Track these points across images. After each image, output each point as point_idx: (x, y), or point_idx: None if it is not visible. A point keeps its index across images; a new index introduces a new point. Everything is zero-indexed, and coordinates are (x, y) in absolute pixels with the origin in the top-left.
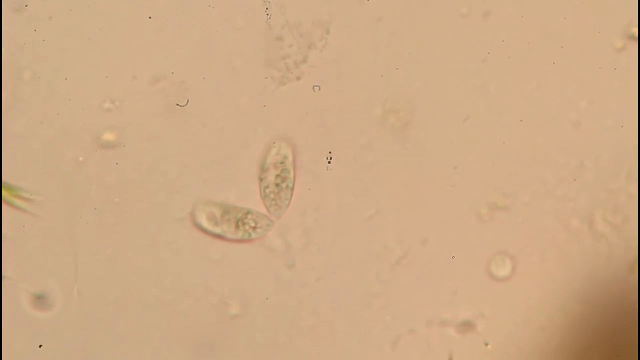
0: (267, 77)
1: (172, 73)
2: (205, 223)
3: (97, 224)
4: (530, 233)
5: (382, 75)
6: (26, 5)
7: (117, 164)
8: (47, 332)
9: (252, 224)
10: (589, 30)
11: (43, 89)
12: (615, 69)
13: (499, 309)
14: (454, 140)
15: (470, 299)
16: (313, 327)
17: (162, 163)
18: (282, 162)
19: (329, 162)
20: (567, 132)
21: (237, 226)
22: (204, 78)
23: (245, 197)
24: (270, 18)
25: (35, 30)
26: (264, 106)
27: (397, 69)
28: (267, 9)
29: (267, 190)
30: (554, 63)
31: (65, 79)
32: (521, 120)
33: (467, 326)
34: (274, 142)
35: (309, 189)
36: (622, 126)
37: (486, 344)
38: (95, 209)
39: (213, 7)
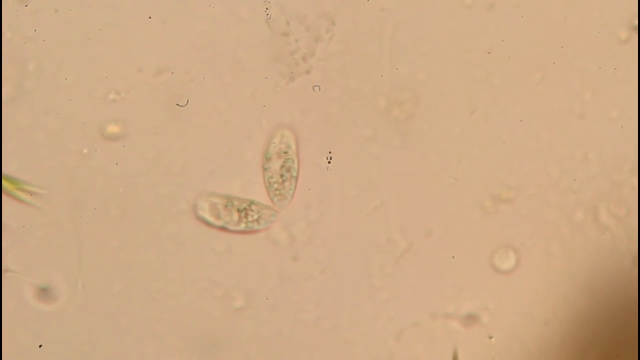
0: (267, 77)
1: (172, 73)
2: (207, 215)
3: (101, 217)
4: (534, 226)
5: (382, 76)
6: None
7: (117, 163)
8: (51, 325)
9: (255, 216)
10: (594, 22)
11: (48, 81)
12: (616, 67)
13: (503, 302)
14: (458, 133)
15: (474, 292)
16: (317, 319)
17: (166, 155)
18: (285, 152)
19: (329, 162)
20: (571, 124)
21: (239, 217)
22: (204, 78)
23: (249, 189)
24: (270, 18)
25: (41, 22)
26: (264, 106)
27: (397, 69)
28: (267, 9)
29: (271, 180)
30: (561, 47)
31: (66, 79)
32: (521, 121)
33: (471, 319)
34: (273, 142)
35: (309, 189)
36: (623, 124)
37: (490, 337)
38: (95, 208)
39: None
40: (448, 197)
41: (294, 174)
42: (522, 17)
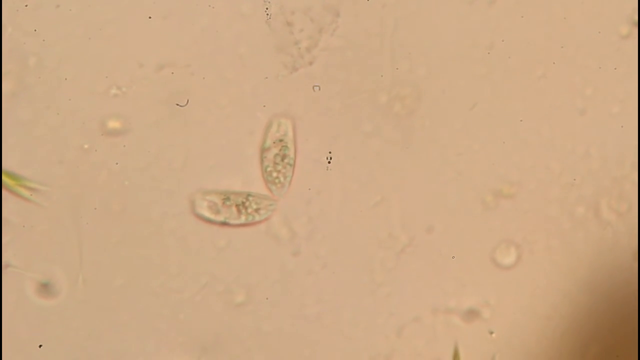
0: (266, 77)
1: (172, 73)
2: (207, 213)
3: (102, 212)
4: (535, 221)
5: (382, 76)
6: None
7: (117, 163)
8: (52, 320)
9: (254, 207)
10: (595, 17)
11: (49, 76)
12: (617, 63)
13: (504, 297)
14: (459, 128)
15: (476, 287)
16: (318, 315)
17: (168, 150)
18: (281, 140)
19: (329, 162)
20: (572, 119)
21: (239, 211)
22: (204, 78)
23: (250, 184)
24: (270, 18)
25: (42, 18)
26: (264, 106)
27: (397, 69)
28: (267, 8)
29: (268, 170)
30: (562, 47)
31: (65, 79)
32: (521, 121)
33: (472, 314)
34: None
35: (309, 189)
36: (624, 119)
37: (491, 333)
38: (95, 209)
39: None
40: (449, 193)
41: (290, 161)
42: (523, 13)
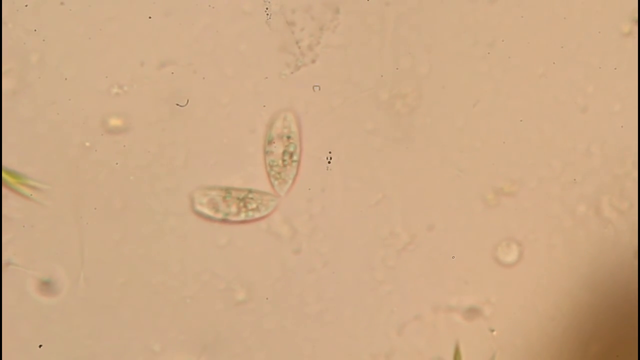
0: (266, 77)
1: (173, 73)
2: (207, 210)
3: (104, 210)
4: (536, 219)
5: (382, 76)
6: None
7: (117, 164)
8: (53, 318)
9: (254, 205)
10: (596, 15)
11: (50, 75)
12: (618, 61)
13: (505, 295)
14: (460, 126)
15: (477, 285)
16: (319, 313)
17: (169, 149)
18: (288, 137)
19: (329, 162)
20: (573, 117)
21: (239, 208)
22: (204, 78)
23: (251, 182)
24: (270, 18)
25: (45, 15)
26: (264, 106)
27: (397, 69)
28: (267, 8)
29: (273, 164)
30: (562, 47)
31: (66, 79)
32: (521, 120)
33: (473, 312)
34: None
35: (309, 189)
36: (625, 117)
37: (492, 330)
38: (96, 208)
39: None
40: (450, 191)
41: (295, 159)
42: (524, 12)
